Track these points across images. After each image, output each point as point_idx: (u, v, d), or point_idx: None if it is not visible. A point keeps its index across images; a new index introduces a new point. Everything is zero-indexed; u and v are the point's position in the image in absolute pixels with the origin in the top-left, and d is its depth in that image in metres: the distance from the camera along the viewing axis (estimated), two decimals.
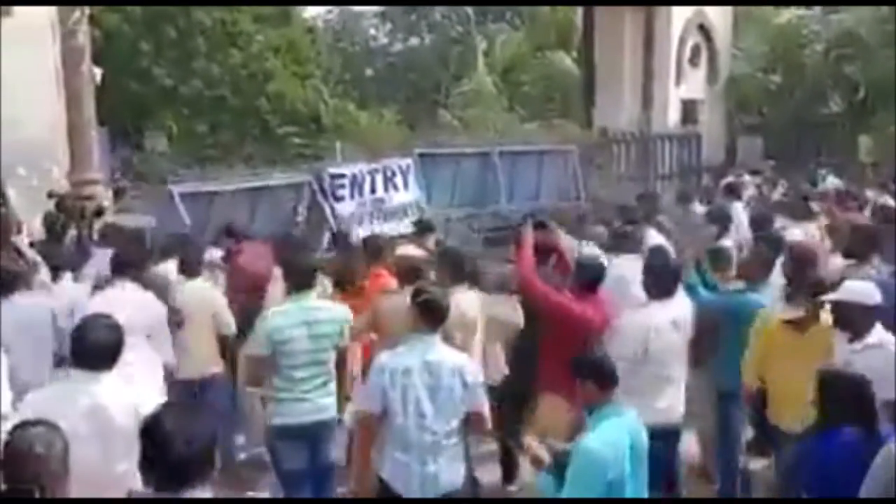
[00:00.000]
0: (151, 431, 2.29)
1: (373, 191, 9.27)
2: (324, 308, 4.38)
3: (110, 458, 2.75)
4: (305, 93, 23.53)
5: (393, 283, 5.03)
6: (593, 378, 3.30)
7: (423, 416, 3.56)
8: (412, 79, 28.75)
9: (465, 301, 4.62)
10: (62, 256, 5.60)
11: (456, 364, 3.61)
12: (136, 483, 3.12)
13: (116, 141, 18.10)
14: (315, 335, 4.23)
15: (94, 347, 3.18)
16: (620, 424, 3.23)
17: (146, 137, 22.12)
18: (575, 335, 4.30)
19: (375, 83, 30.32)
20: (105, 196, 8.48)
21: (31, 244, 6.13)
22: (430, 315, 3.66)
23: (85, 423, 2.54)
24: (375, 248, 5.59)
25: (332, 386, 4.37)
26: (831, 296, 3.92)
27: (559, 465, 3.30)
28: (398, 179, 9.51)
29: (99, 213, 7.06)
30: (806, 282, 4.27)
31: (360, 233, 8.12)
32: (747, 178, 14.23)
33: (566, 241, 5.74)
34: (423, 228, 6.95)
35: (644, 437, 3.30)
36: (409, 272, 4.74)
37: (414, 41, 32.41)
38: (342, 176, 9.07)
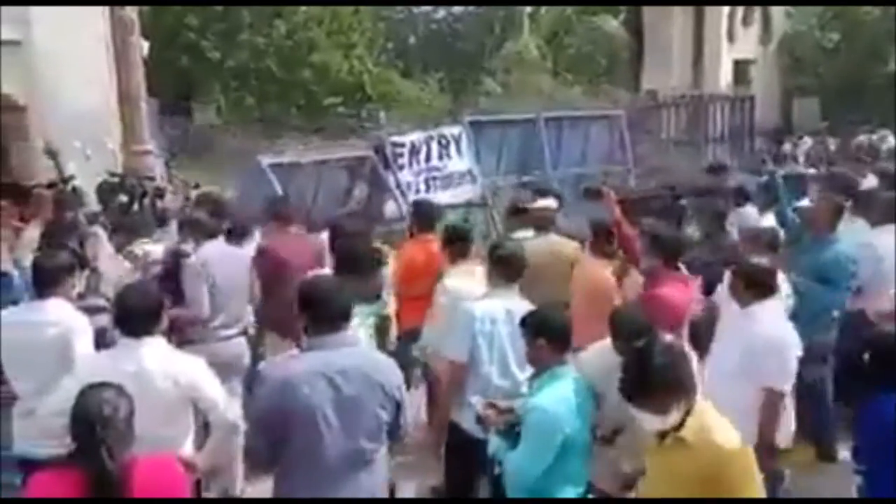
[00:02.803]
0: None
1: (428, 159, 9.24)
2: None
3: (152, 422, 2.82)
4: (349, 63, 23.53)
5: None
6: (546, 336, 3.20)
7: (507, 364, 3.68)
8: (456, 45, 28.48)
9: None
10: (142, 224, 5.73)
11: None
12: (185, 450, 3.24)
13: (166, 114, 18.42)
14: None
15: (132, 314, 3.26)
16: (569, 383, 3.17)
17: (195, 110, 22.46)
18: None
19: (419, 51, 30.12)
20: (157, 166, 8.63)
21: (99, 215, 6.23)
22: (509, 268, 3.79)
23: (128, 387, 2.61)
24: (427, 214, 5.47)
25: None
26: None
27: (508, 425, 3.23)
28: (452, 147, 9.46)
29: (159, 193, 7.16)
30: None
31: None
32: (808, 141, 13.81)
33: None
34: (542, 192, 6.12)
35: (590, 394, 3.23)
36: (544, 221, 5.04)
37: (458, 7, 32.04)
38: (402, 145, 9.06)
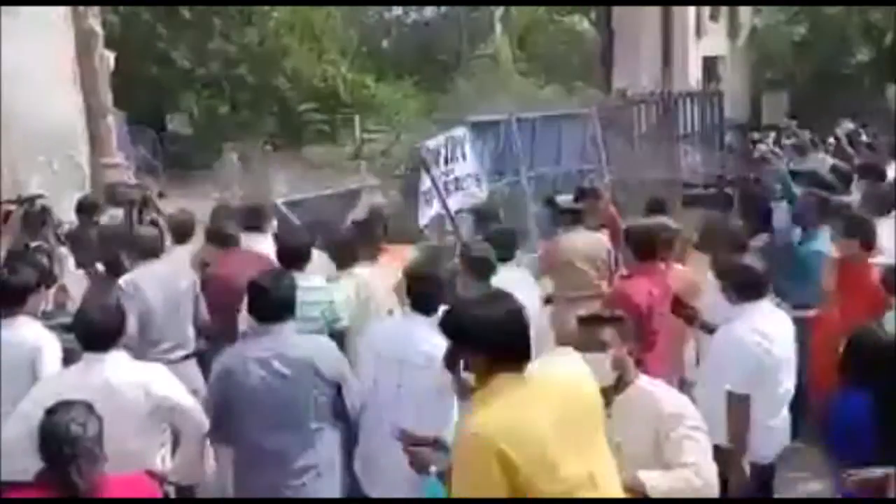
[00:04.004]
0: None
1: (446, 162, 9.17)
2: None
3: (122, 436, 2.82)
4: (322, 68, 23.48)
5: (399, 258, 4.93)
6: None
7: None
8: (429, 48, 28.49)
9: None
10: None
11: None
12: (154, 462, 3.23)
13: (138, 125, 18.26)
14: None
15: (93, 329, 3.25)
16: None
17: (168, 121, 22.29)
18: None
19: (392, 55, 30.10)
20: (126, 178, 8.56)
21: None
22: (482, 267, 3.99)
23: (95, 402, 2.60)
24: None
25: None
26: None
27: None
28: (458, 150, 9.39)
29: (146, 202, 6.96)
30: None
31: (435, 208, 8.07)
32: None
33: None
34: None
35: None
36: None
37: (429, 10, 32.07)
38: (433, 150, 9.00)
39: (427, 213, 8.14)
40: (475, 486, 2.01)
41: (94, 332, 3.24)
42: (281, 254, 4.31)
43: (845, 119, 14.71)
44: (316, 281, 4.24)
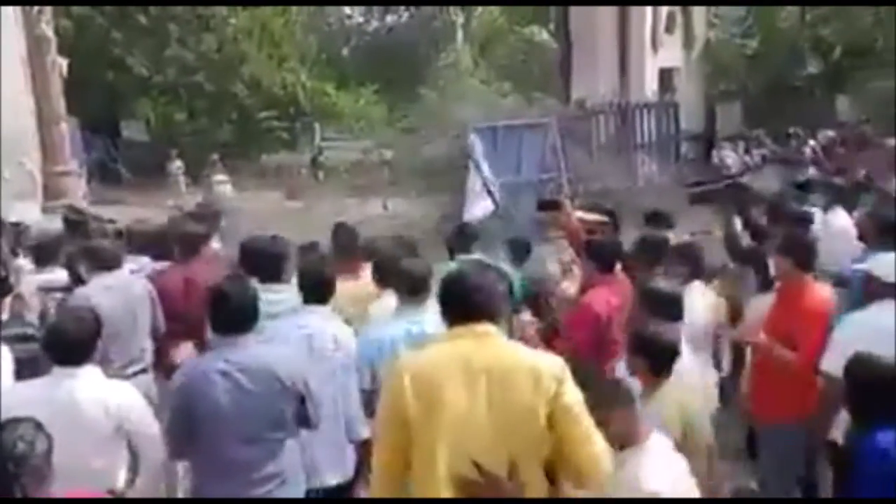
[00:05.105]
0: None
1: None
2: None
3: (83, 454, 2.76)
4: (282, 75, 23.34)
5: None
6: None
7: None
8: (390, 56, 28.53)
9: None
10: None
11: None
12: (117, 482, 3.16)
13: (93, 132, 17.94)
14: None
15: (65, 342, 3.14)
16: None
17: (124, 128, 21.94)
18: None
19: (353, 62, 30.07)
20: (79, 186, 8.41)
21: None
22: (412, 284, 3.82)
23: (57, 419, 2.53)
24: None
25: None
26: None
27: None
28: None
29: (120, 233, 6.73)
30: None
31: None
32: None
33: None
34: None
35: None
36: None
37: (390, 18, 32.12)
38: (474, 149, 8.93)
39: (474, 211, 8.11)
40: (383, 401, 2.48)
41: (65, 346, 3.11)
42: (249, 264, 4.13)
43: (826, 130, 15.27)
44: (285, 293, 4.08)
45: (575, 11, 15.96)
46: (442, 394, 2.31)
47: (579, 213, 5.26)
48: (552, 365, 2.37)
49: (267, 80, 22.71)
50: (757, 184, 9.36)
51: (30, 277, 5.05)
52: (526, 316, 4.71)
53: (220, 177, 16.35)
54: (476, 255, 5.07)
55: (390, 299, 3.97)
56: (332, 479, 3.62)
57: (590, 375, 2.84)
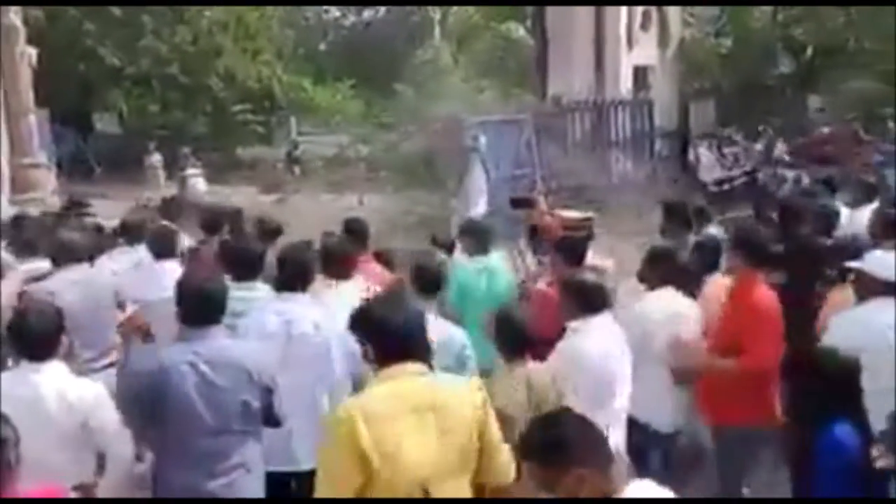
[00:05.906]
0: None
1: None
2: None
3: (49, 449, 2.74)
4: (257, 69, 23.15)
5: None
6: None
7: None
8: (367, 51, 28.42)
9: None
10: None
11: None
12: (84, 476, 3.13)
13: (62, 124, 17.68)
14: None
15: (28, 337, 3.12)
16: None
17: (96, 120, 21.64)
18: None
19: (330, 57, 29.92)
20: (48, 179, 8.29)
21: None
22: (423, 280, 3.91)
23: (21, 414, 2.51)
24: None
25: None
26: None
27: None
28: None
29: (100, 227, 6.60)
30: None
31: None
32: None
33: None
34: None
35: None
36: None
37: (368, 13, 32.00)
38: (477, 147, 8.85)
39: (475, 209, 8.10)
40: (334, 447, 2.48)
41: (28, 340, 3.10)
42: (230, 261, 4.15)
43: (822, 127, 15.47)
44: (262, 291, 4.11)
45: (551, 8, 15.99)
46: (398, 434, 2.46)
47: (563, 212, 5.35)
48: (475, 390, 2.62)
49: (242, 74, 22.50)
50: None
51: (13, 272, 4.96)
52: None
53: (193, 170, 16.22)
54: (494, 255, 5.09)
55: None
56: (307, 465, 3.58)
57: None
